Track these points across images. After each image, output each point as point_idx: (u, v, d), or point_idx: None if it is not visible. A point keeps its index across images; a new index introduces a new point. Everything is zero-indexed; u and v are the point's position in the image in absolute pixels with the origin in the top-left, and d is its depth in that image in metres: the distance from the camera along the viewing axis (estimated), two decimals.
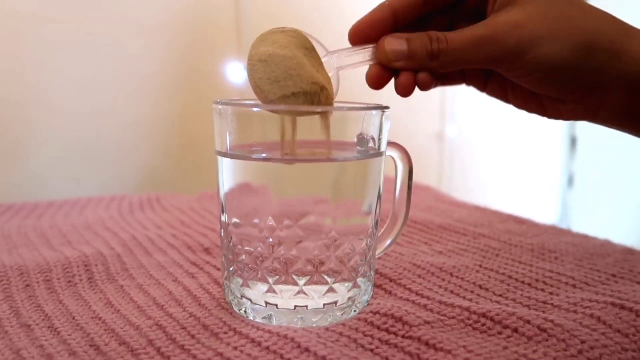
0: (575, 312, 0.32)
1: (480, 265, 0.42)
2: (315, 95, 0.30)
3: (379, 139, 0.33)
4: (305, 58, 0.31)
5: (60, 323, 0.33)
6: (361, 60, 0.34)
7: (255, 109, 0.32)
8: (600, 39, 0.32)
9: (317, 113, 0.30)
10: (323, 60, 0.33)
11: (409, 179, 0.37)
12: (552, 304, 0.34)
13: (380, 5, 0.34)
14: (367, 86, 0.35)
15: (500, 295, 0.36)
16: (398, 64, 0.33)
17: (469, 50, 0.32)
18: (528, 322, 0.30)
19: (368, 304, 0.34)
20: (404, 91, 0.34)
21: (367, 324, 0.32)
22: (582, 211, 1.63)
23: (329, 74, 0.33)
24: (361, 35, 0.34)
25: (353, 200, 0.33)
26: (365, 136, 0.32)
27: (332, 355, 0.28)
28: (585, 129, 1.51)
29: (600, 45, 0.32)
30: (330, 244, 0.31)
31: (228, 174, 0.33)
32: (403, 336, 0.30)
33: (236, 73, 0.97)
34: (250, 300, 0.33)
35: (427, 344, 0.29)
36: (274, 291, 0.32)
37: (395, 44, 0.33)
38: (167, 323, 0.32)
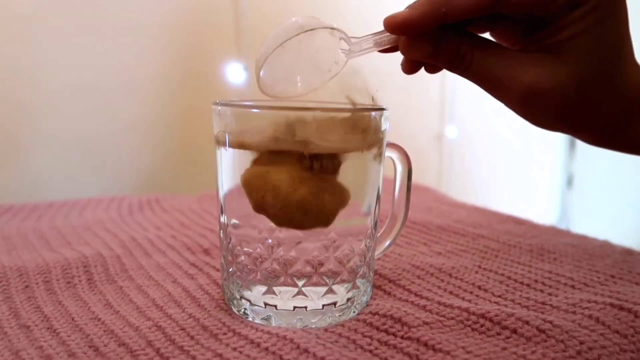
0: (574, 313, 0.32)
1: (480, 266, 0.42)
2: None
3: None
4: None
5: (59, 324, 0.33)
6: (379, 48, 0.33)
7: (254, 110, 0.32)
8: (598, 133, 0.32)
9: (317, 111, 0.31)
10: (339, 51, 0.33)
11: (408, 180, 0.37)
12: (551, 305, 0.34)
13: (436, 6, 0.29)
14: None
15: (499, 296, 0.36)
16: (414, 58, 0.32)
17: (483, 82, 0.32)
18: (527, 323, 0.30)
19: (367, 305, 0.34)
20: (409, 72, 0.34)
21: (366, 324, 0.32)
22: (581, 212, 1.63)
23: (343, 64, 0.33)
24: (401, 31, 0.31)
25: (352, 201, 0.33)
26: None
27: (331, 357, 0.28)
28: None
29: (593, 136, 0.33)
30: (329, 245, 0.31)
31: (227, 175, 0.33)
32: (402, 337, 0.30)
33: (235, 74, 0.97)
34: (249, 301, 0.33)
35: (426, 344, 0.29)
36: (273, 292, 0.32)
37: (422, 49, 0.31)
38: (167, 324, 0.32)
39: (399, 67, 0.34)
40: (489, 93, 0.32)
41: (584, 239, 0.50)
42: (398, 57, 0.34)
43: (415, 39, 0.31)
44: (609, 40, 0.29)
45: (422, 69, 0.34)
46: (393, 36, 0.32)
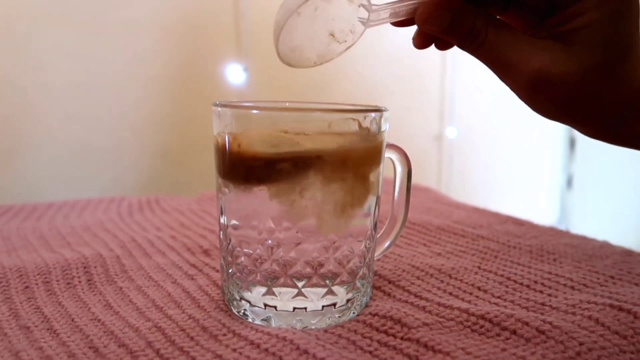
0: (573, 314, 0.32)
1: (479, 267, 0.42)
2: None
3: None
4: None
5: (59, 325, 0.33)
6: (396, 18, 0.32)
7: (254, 111, 0.32)
8: (599, 125, 0.32)
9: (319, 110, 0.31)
10: (358, 18, 0.32)
11: (407, 181, 0.37)
12: (550, 306, 0.34)
13: None
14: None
15: (498, 297, 0.36)
16: (428, 31, 0.32)
17: (493, 63, 0.32)
18: (526, 323, 0.30)
19: (367, 306, 0.34)
20: (420, 47, 0.34)
21: (365, 325, 0.32)
22: (581, 213, 1.63)
23: (359, 31, 0.32)
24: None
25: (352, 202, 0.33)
26: None
27: (331, 358, 0.28)
28: None
29: (593, 129, 0.33)
30: (329, 246, 0.31)
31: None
32: (402, 338, 0.30)
33: (235, 74, 0.97)
34: (249, 302, 0.33)
35: (425, 345, 0.29)
36: (273, 293, 0.32)
37: (438, 22, 0.31)
38: (166, 325, 0.32)
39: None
40: (496, 74, 0.32)
41: (583, 239, 0.50)
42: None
43: (433, 12, 0.31)
44: (619, 33, 0.29)
45: (432, 47, 0.34)
46: (411, 6, 0.32)
